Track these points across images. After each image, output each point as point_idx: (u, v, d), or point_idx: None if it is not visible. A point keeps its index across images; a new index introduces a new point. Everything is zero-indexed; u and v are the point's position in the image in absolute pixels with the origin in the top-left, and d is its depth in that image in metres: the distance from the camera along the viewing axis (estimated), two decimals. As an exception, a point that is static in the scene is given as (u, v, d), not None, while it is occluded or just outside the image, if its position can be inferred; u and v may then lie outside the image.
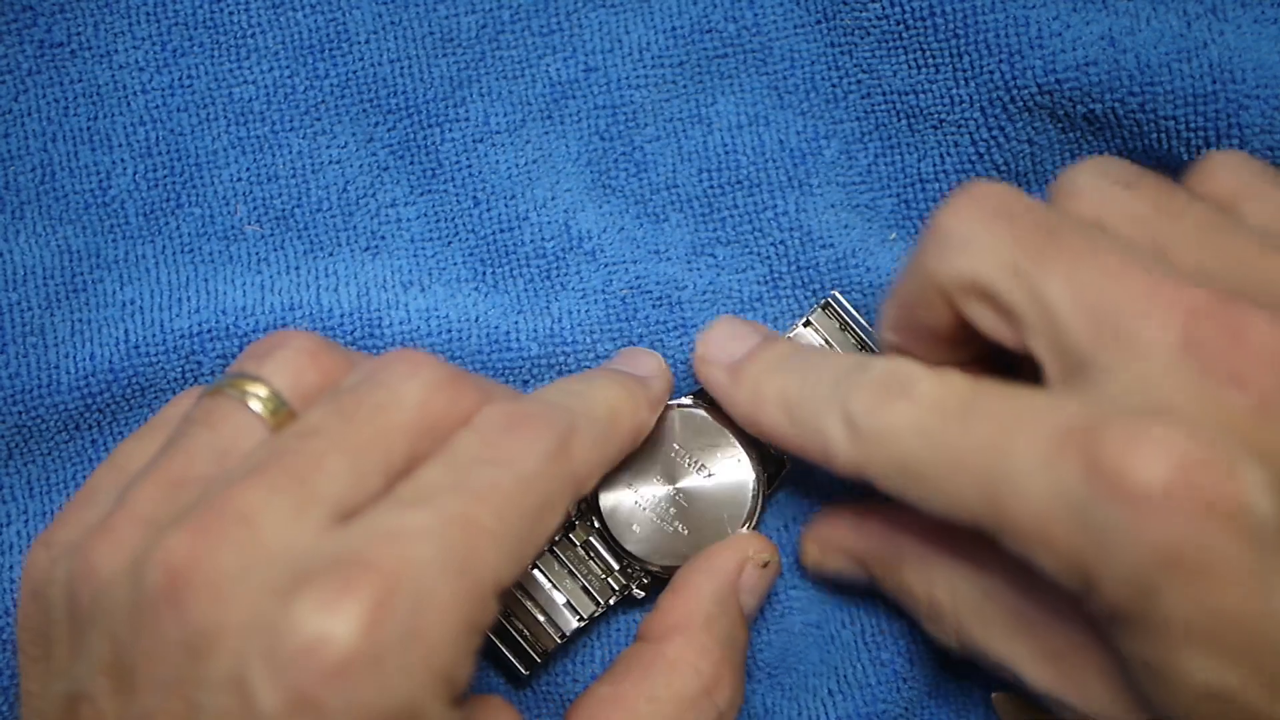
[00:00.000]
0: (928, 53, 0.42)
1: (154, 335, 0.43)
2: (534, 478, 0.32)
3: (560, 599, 0.42)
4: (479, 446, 0.32)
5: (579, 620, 0.42)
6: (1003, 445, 0.31)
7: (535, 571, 0.42)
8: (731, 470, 0.41)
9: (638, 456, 0.41)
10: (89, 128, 0.44)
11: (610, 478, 0.41)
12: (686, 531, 0.41)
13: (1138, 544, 0.29)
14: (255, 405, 0.33)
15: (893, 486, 0.33)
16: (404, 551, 0.29)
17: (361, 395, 0.32)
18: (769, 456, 0.42)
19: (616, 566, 0.42)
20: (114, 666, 0.30)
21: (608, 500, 0.41)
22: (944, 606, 0.37)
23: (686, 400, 0.42)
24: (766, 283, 0.44)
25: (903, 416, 0.33)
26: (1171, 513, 0.28)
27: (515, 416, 0.33)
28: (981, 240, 0.33)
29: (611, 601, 0.42)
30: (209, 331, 0.43)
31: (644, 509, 0.41)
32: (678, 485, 0.41)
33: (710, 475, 0.41)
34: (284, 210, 0.44)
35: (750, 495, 0.41)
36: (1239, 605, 0.28)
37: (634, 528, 0.41)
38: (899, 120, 0.43)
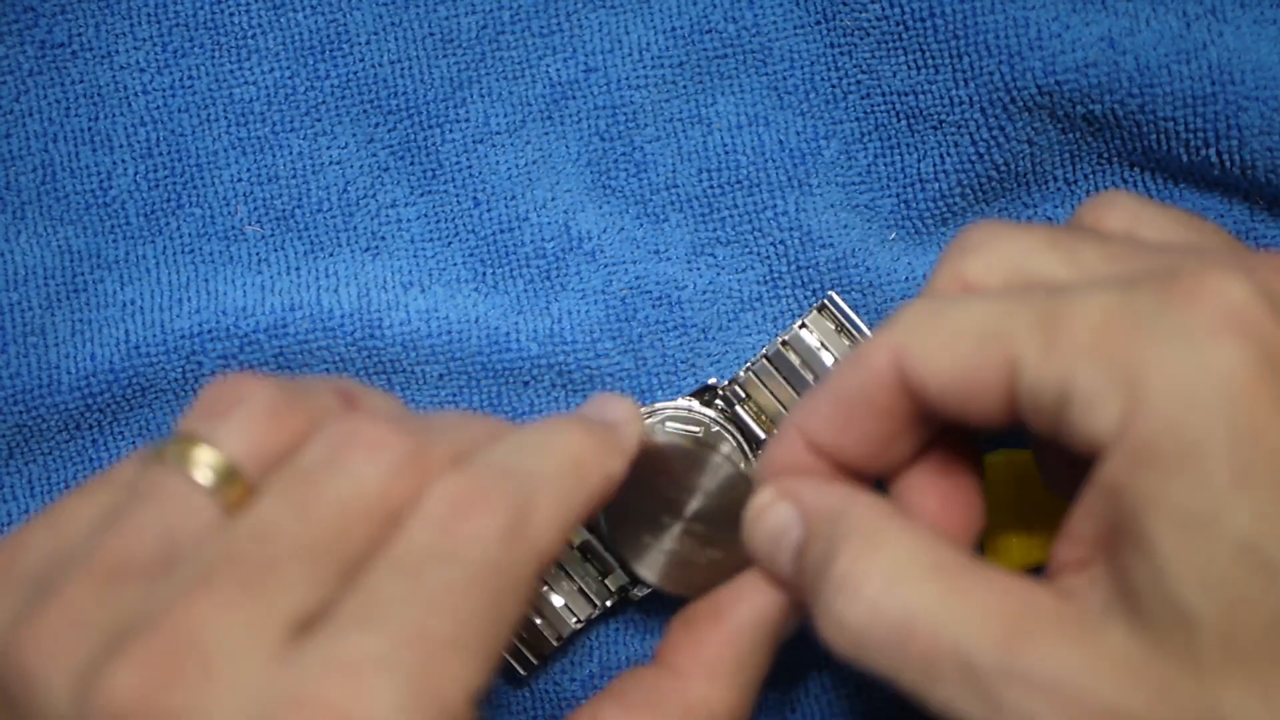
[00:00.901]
0: (928, 53, 0.42)
1: (154, 336, 0.43)
2: (490, 566, 0.29)
3: (558, 601, 0.42)
4: (429, 539, 0.29)
5: (576, 622, 0.42)
6: None
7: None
8: (724, 473, 0.40)
9: (636, 506, 0.39)
10: (90, 128, 0.44)
11: (628, 544, 0.40)
12: (722, 555, 0.39)
13: (1201, 362, 0.28)
14: (205, 477, 0.30)
15: None
16: (359, 687, 0.27)
17: (322, 485, 0.30)
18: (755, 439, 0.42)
19: (615, 567, 0.42)
20: None
21: (642, 568, 0.40)
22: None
23: (681, 402, 0.43)
24: (766, 283, 0.44)
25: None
26: (1242, 334, 0.28)
27: (464, 497, 0.30)
28: (1008, 231, 0.33)
29: (609, 604, 0.42)
30: (209, 332, 0.43)
31: (672, 554, 0.39)
32: (685, 515, 0.40)
33: (708, 490, 0.40)
34: (284, 211, 0.44)
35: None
36: None
37: (672, 573, 0.40)
38: (899, 120, 0.43)
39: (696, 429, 0.42)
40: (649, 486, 0.38)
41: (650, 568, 0.39)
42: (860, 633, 0.30)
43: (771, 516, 0.34)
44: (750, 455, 0.42)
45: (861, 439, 0.33)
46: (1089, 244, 0.33)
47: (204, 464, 0.30)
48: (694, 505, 0.40)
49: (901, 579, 0.30)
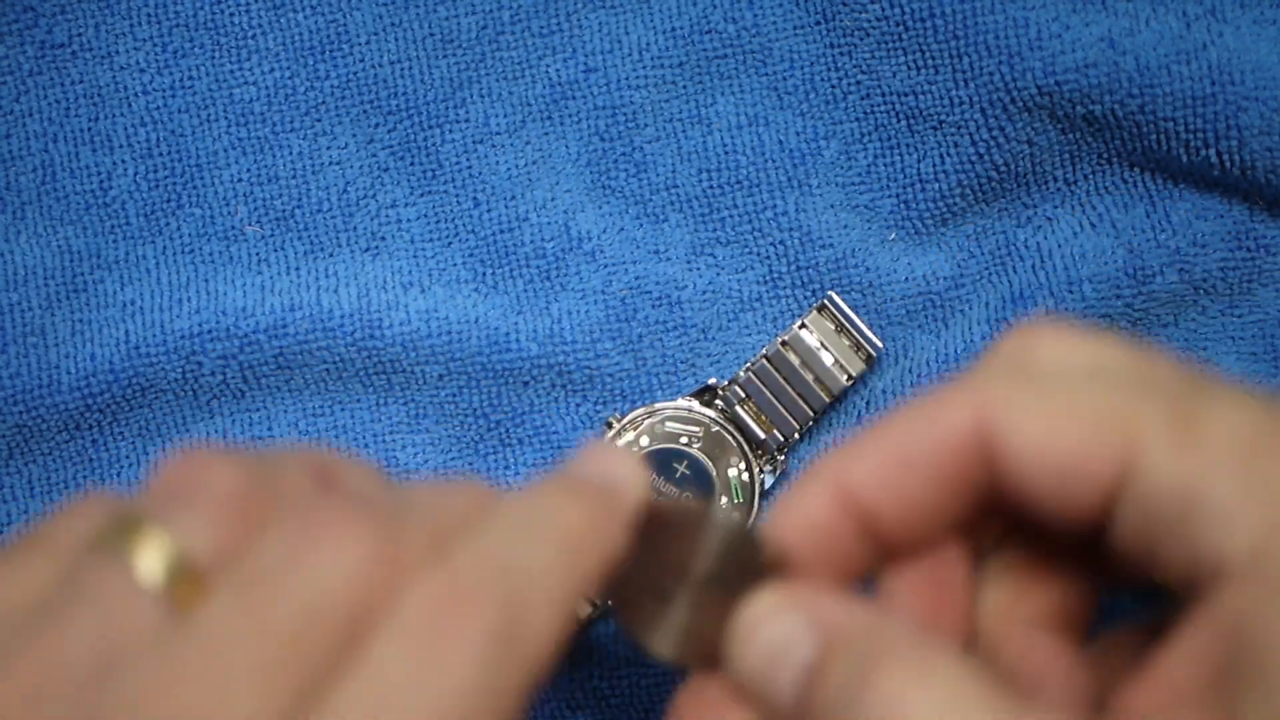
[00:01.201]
0: (927, 54, 0.42)
1: (154, 336, 0.43)
2: (476, 687, 0.25)
3: None
4: (403, 657, 0.25)
5: (576, 623, 0.42)
6: None
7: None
8: (729, 533, 0.32)
9: (638, 571, 0.32)
10: (90, 129, 0.44)
11: (632, 614, 0.33)
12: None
13: None
14: (154, 571, 0.26)
15: None
16: None
17: (280, 585, 0.25)
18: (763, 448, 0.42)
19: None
20: None
21: (651, 642, 0.32)
22: None
23: (681, 402, 0.43)
24: (766, 283, 0.44)
25: None
26: None
27: (444, 606, 0.26)
28: (1069, 325, 0.29)
29: (610, 603, 0.42)
30: (209, 332, 0.43)
31: (682, 625, 0.32)
32: (693, 581, 0.32)
33: (715, 552, 0.32)
34: (284, 211, 0.44)
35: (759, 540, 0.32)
36: None
37: (685, 645, 0.32)
38: (899, 121, 0.43)
39: (697, 428, 0.42)
40: (650, 549, 0.32)
41: (660, 641, 0.33)
42: None
43: (773, 628, 0.29)
44: (751, 456, 0.42)
45: (911, 502, 0.29)
46: (1163, 359, 0.29)
47: (154, 556, 0.26)
48: (701, 569, 0.33)
49: (956, 711, 0.26)
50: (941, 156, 0.43)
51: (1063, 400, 0.27)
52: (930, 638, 0.27)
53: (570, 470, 0.31)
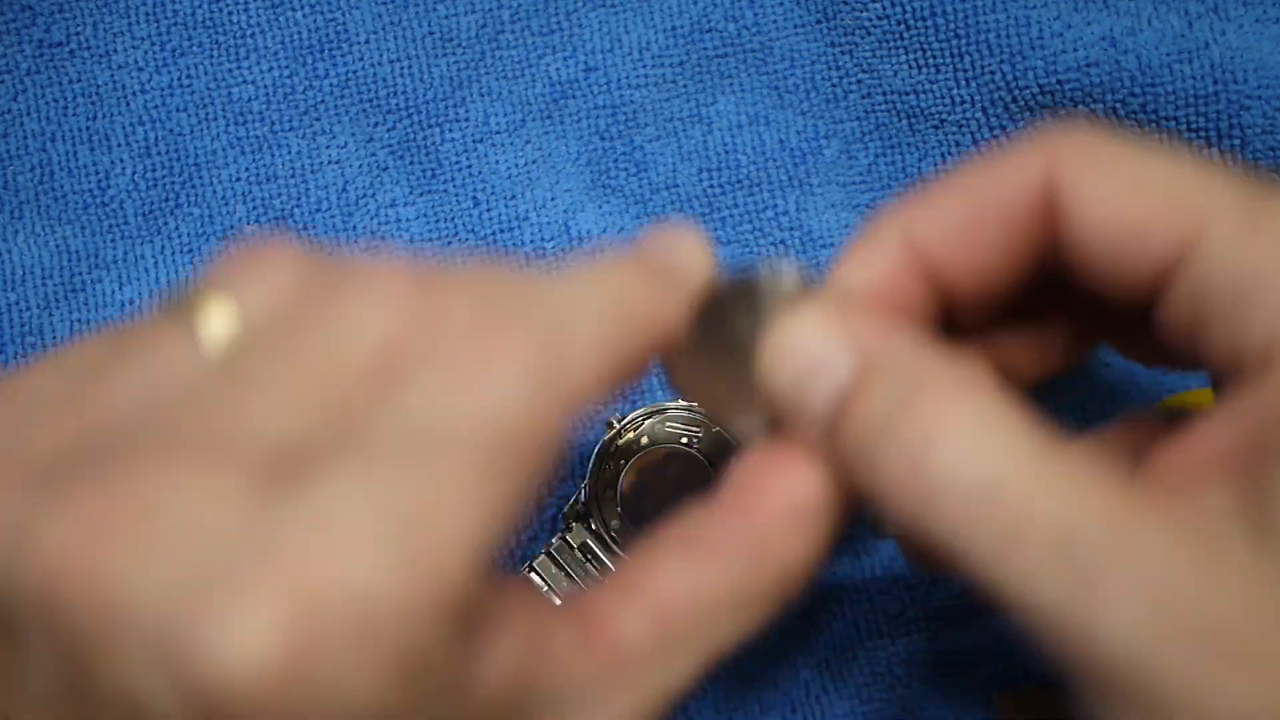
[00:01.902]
0: (928, 53, 0.42)
1: (153, 335, 0.43)
2: (513, 416, 0.25)
3: (557, 603, 0.42)
4: (440, 387, 0.25)
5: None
6: None
7: (531, 575, 0.42)
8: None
9: (712, 356, 0.31)
10: (88, 127, 0.44)
11: (710, 400, 0.32)
12: None
13: None
14: (213, 329, 0.26)
15: None
16: (337, 547, 0.23)
17: (314, 328, 0.26)
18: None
19: (613, 569, 0.42)
20: None
21: (732, 423, 0.31)
22: None
23: (684, 401, 0.42)
24: (766, 283, 0.44)
25: None
26: None
27: (484, 340, 0.25)
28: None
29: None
30: (208, 332, 0.43)
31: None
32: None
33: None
34: (283, 210, 0.44)
35: None
36: None
37: (766, 424, 0.31)
38: (899, 120, 0.43)
39: (697, 428, 0.42)
40: (716, 329, 0.31)
41: (742, 421, 0.31)
42: (937, 488, 0.25)
43: (811, 344, 0.28)
44: None
45: (976, 259, 0.28)
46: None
47: (210, 315, 0.26)
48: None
49: (996, 435, 0.26)
50: (943, 156, 0.43)
51: (1134, 172, 0.27)
52: (970, 369, 0.26)
53: (635, 250, 0.30)
